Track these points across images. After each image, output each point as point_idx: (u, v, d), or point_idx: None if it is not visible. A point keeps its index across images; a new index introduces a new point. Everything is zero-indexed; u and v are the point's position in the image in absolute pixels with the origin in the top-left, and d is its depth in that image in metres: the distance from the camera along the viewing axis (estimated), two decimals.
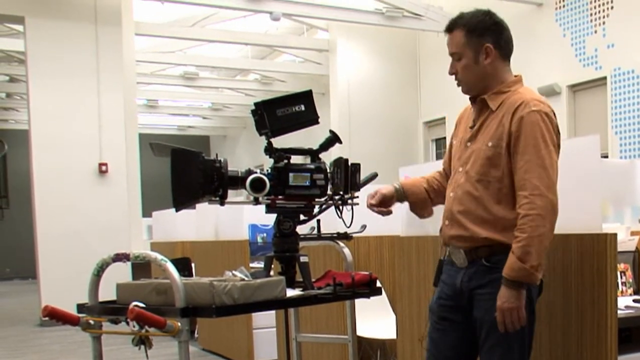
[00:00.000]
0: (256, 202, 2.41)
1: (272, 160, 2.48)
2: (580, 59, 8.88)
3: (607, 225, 3.09)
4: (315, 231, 2.69)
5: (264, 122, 2.42)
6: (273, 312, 4.40)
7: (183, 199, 2.32)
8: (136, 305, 1.96)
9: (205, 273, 3.08)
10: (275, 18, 9.80)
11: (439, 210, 2.62)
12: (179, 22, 11.49)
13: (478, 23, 2.36)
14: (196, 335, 6.72)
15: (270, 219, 2.52)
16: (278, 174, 2.44)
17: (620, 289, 3.25)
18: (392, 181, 2.66)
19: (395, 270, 3.78)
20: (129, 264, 7.39)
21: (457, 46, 2.39)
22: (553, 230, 2.24)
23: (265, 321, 5.11)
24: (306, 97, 2.51)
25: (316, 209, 2.56)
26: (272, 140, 2.47)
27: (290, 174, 2.45)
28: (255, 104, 2.45)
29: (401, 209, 3.02)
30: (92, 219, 8.75)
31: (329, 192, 2.54)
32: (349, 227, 2.62)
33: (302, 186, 2.47)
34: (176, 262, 2.13)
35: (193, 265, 6.38)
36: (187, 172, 2.28)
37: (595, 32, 8.64)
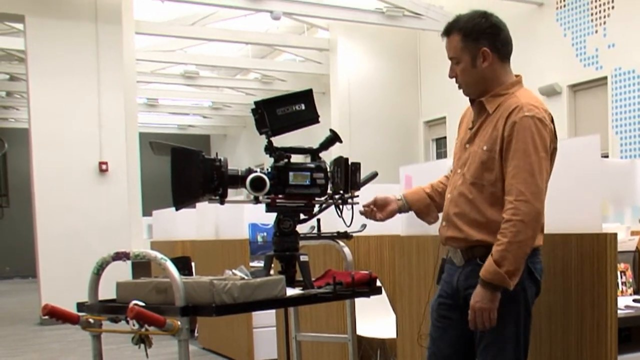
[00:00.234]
0: (256, 201, 2.41)
1: (272, 159, 2.48)
2: (580, 59, 8.87)
3: (607, 225, 3.08)
4: (315, 230, 2.69)
5: (264, 121, 2.42)
6: (273, 311, 4.40)
7: (183, 198, 2.32)
8: (136, 304, 1.96)
9: (205, 272, 3.07)
10: (276, 17, 9.79)
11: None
12: (180, 21, 11.49)
13: (474, 27, 2.34)
14: (196, 334, 6.72)
15: (271, 218, 2.52)
16: (278, 173, 2.44)
17: (620, 288, 3.25)
18: (392, 180, 2.67)
19: (395, 269, 3.79)
20: (129, 262, 7.38)
21: (455, 51, 2.38)
22: (535, 237, 2.25)
23: (265, 320, 5.12)
24: (306, 96, 2.51)
25: (316, 208, 2.56)
26: (272, 139, 2.47)
27: (291, 173, 2.45)
28: (256, 103, 2.44)
29: None
30: (92, 217, 8.74)
31: (329, 191, 2.54)
32: (349, 227, 2.61)
33: (302, 185, 2.47)
34: (176, 261, 2.12)
35: (193, 264, 6.35)
36: (187, 171, 2.28)
37: (596, 32, 8.63)
